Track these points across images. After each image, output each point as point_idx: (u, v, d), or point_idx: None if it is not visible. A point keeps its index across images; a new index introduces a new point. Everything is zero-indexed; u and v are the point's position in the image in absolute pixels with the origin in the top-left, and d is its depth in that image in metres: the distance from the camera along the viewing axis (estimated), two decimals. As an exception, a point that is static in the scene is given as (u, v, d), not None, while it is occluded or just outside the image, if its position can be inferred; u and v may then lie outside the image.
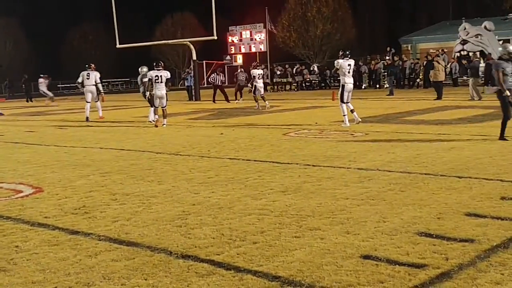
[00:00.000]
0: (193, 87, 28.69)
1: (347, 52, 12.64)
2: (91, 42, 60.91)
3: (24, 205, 5.80)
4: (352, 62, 12.56)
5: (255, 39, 45.92)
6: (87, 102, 17.21)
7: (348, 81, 12.39)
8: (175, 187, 6.45)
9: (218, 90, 25.09)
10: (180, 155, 9.07)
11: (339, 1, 44.91)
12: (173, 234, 4.55)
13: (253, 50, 46.13)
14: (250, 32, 46.33)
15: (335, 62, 12.70)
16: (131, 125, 15.14)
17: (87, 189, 6.48)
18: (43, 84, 30.45)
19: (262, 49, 45.23)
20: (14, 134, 13.63)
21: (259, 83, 19.45)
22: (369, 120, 13.45)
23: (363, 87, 33.21)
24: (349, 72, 12.35)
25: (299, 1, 45.01)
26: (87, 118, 16.70)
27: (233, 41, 47.41)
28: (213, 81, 25.74)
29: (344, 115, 12.34)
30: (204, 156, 8.83)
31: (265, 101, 19.31)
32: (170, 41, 38.98)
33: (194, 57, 29.41)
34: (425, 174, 6.63)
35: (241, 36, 46.89)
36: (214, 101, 24.53)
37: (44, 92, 30.38)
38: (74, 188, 6.57)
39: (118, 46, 30.96)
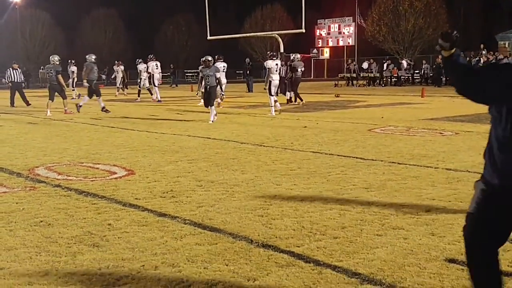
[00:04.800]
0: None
1: (274, 53, 16.15)
2: (184, 33, 62.94)
3: (117, 186, 6.15)
4: (279, 62, 15.61)
5: (344, 33, 45.24)
6: (156, 86, 22.24)
7: (275, 78, 15.03)
8: (257, 177, 6.55)
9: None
10: (264, 146, 9.18)
11: (433, -5, 43.12)
12: (255, 223, 4.64)
13: (341, 43, 45.51)
14: (339, 25, 45.69)
15: (265, 63, 15.55)
16: (217, 114, 15.49)
17: (175, 174, 6.75)
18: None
19: (350, 43, 44.50)
20: (110, 119, 14.44)
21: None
22: (460, 119, 12.85)
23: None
24: (276, 71, 15.11)
25: (391, -6, 43.72)
26: (159, 100, 21.38)
27: (321, 34, 47.02)
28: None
29: (271, 106, 14.78)
30: (287, 148, 8.88)
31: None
32: (258, 34, 39.43)
33: (282, 50, 29.48)
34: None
35: (329, 29, 46.37)
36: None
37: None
38: (163, 173, 6.87)
39: (209, 37, 31.73)
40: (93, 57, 17.02)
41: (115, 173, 6.94)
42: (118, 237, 4.29)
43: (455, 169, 6.86)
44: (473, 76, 2.59)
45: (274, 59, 15.33)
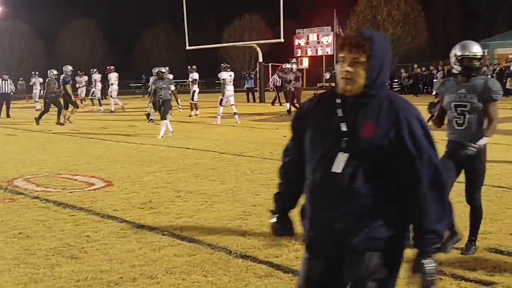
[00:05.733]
0: (254, 89, 29.17)
1: (228, 65, 16.46)
2: (163, 44, 62.78)
3: (96, 197, 6.13)
4: (232, 73, 15.87)
5: (322, 42, 45.57)
6: (112, 97, 21.38)
7: (229, 89, 15.42)
8: (237, 187, 6.58)
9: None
10: (243, 156, 9.22)
11: (411, 4, 43.77)
12: (233, 233, 4.66)
13: (320, 53, 45.84)
14: (317, 35, 46.00)
15: (219, 74, 15.90)
16: (197, 124, 15.51)
17: (154, 185, 6.74)
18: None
19: (329, 52, 44.87)
20: (88, 130, 14.33)
21: None
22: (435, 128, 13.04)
23: (433, 93, 32.23)
24: (230, 82, 15.45)
25: (369, 4, 44.29)
26: (112, 111, 20.90)
27: (299, 44, 47.29)
28: (275, 84, 26.05)
29: (218, 115, 15.33)
30: (267, 158, 8.93)
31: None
32: (237, 44, 39.53)
33: (261, 60, 29.64)
34: (497, 187, 6.37)
35: (308, 39, 46.65)
36: (273, 103, 24.66)
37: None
38: (141, 184, 6.86)
39: (187, 48, 31.71)
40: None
41: (94, 184, 6.90)
42: (96, 249, 4.28)
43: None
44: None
45: (228, 71, 15.81)
